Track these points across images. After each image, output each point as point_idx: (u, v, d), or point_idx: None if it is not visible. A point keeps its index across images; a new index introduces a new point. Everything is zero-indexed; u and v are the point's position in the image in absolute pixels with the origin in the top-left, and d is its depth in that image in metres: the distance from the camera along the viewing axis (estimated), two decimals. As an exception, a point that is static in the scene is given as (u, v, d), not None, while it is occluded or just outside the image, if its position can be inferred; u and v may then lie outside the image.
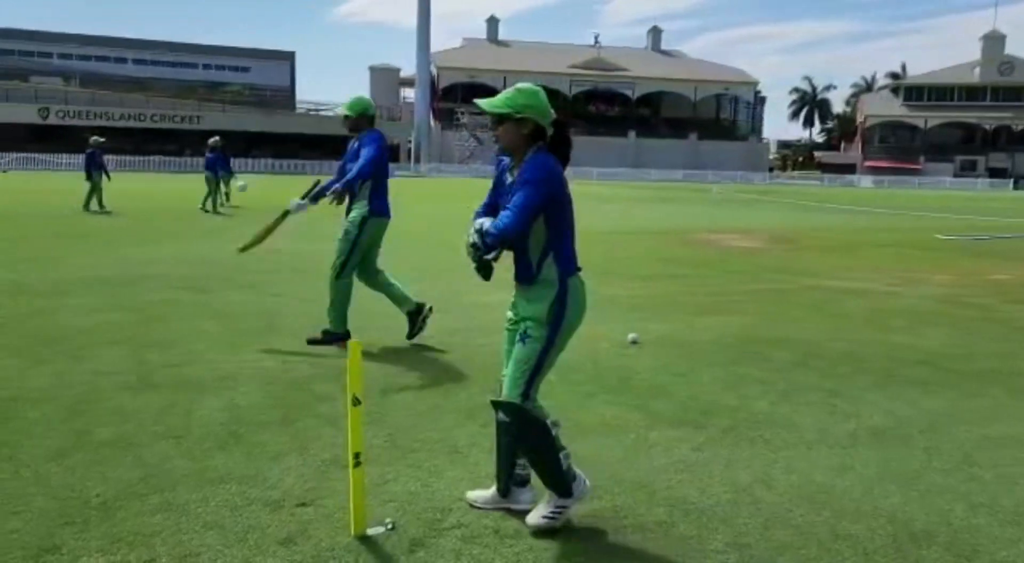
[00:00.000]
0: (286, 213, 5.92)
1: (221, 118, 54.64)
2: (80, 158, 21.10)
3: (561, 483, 2.95)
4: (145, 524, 2.91)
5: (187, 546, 2.76)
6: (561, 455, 2.95)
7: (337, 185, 5.60)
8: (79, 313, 6.55)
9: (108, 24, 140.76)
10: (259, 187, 27.60)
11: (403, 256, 8.77)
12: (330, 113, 66.22)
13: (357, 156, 5.66)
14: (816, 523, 3.09)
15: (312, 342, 5.63)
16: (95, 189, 17.14)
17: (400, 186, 32.12)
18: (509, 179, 2.98)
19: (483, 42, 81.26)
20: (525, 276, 2.96)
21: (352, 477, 2.83)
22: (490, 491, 3.15)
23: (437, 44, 69.20)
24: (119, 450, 3.61)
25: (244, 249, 6.16)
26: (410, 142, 66.35)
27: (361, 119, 5.71)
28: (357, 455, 2.83)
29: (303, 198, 5.86)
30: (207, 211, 17.67)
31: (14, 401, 4.23)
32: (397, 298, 5.92)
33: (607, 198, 30.47)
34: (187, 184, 24.39)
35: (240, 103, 69.64)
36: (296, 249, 10.46)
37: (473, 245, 2.87)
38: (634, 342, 5.95)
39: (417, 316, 5.88)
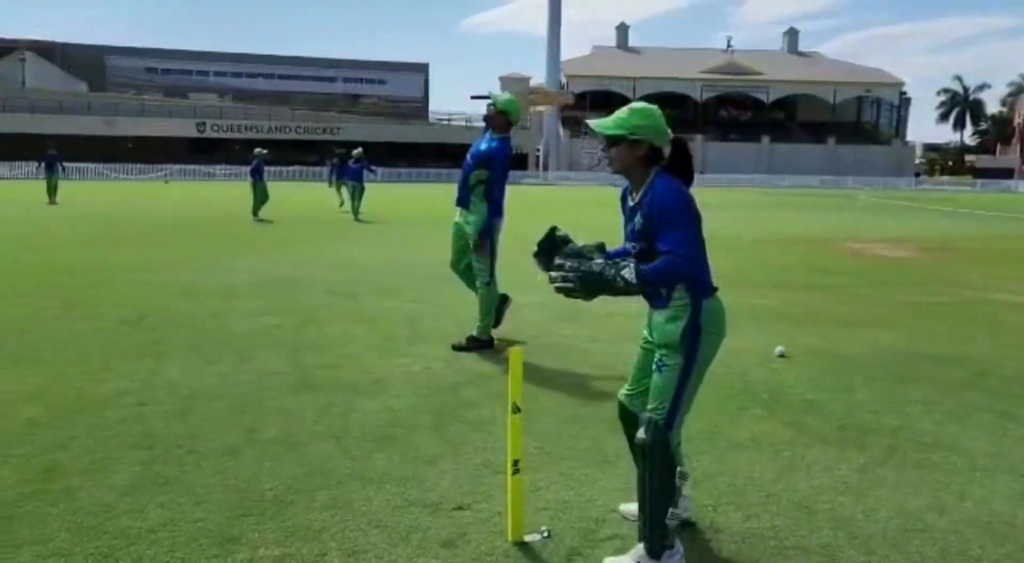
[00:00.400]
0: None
1: (359, 129, 56.93)
2: (239, 168, 22.58)
3: (658, 542, 2.66)
4: (315, 519, 3.05)
5: (354, 543, 2.88)
6: (672, 511, 2.65)
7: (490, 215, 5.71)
8: (245, 316, 6.97)
9: (258, 43, 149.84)
10: (396, 196, 28.56)
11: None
12: (461, 123, 67.90)
13: (480, 151, 5.75)
14: (999, 557, 2.88)
15: (457, 348, 5.77)
16: (260, 197, 18.05)
17: (527, 193, 32.59)
18: (631, 202, 2.84)
19: (613, 49, 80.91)
20: (657, 301, 2.78)
21: (510, 484, 2.87)
22: None
23: (567, 52, 69.45)
24: (285, 447, 3.81)
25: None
26: (538, 150, 66.98)
27: (500, 117, 5.77)
28: (516, 462, 2.87)
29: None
30: (346, 214, 18.42)
31: (192, 397, 4.55)
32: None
33: (744, 205, 29.66)
34: (325, 193, 25.51)
35: (377, 114, 72.46)
36: (426, 258, 10.74)
37: (608, 280, 2.61)
38: (781, 355, 5.75)
39: (503, 305, 6.00)
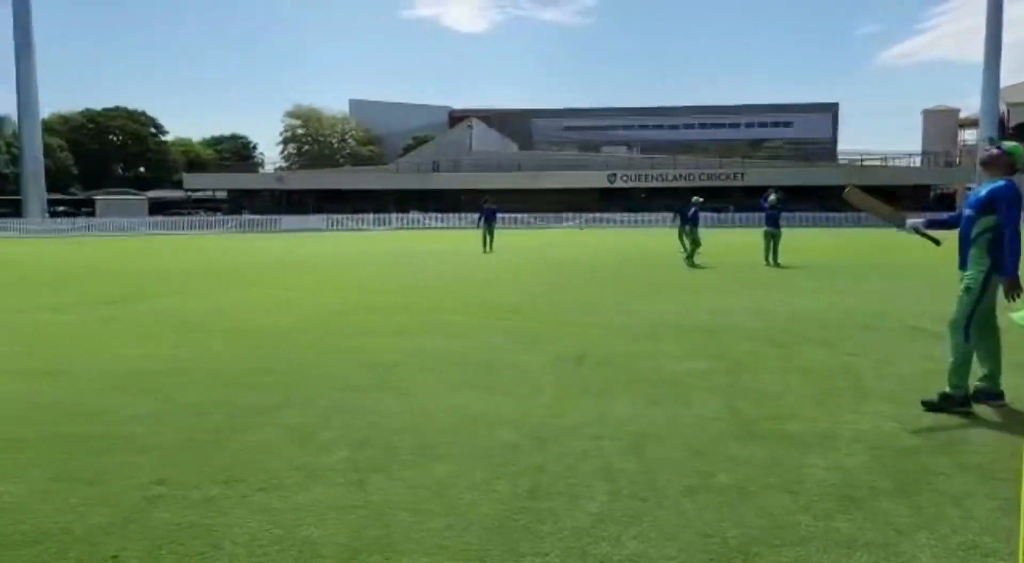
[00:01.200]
0: (899, 224, 5.89)
1: (763, 173, 56.02)
2: (646, 216, 23.65)
3: None
4: (785, 574, 3.04)
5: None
6: None
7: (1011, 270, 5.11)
8: (674, 358, 7.26)
9: (663, 96, 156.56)
10: (805, 240, 27.48)
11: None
12: (876, 161, 63.12)
13: (979, 202, 5.28)
14: None
15: (928, 405, 5.33)
16: (693, 242, 18.69)
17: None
18: None
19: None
20: None
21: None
22: None
23: (1007, 79, 60.79)
24: (740, 496, 3.85)
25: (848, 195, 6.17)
26: (968, 188, 59.32)
27: (1004, 158, 5.25)
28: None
29: (926, 226, 5.78)
30: (768, 264, 18.11)
31: (642, 436, 4.84)
32: (990, 367, 5.33)
33: None
34: (732, 237, 25.43)
35: (780, 157, 70.69)
36: (855, 306, 10.12)
37: None
38: None
39: (974, 400, 5.31)
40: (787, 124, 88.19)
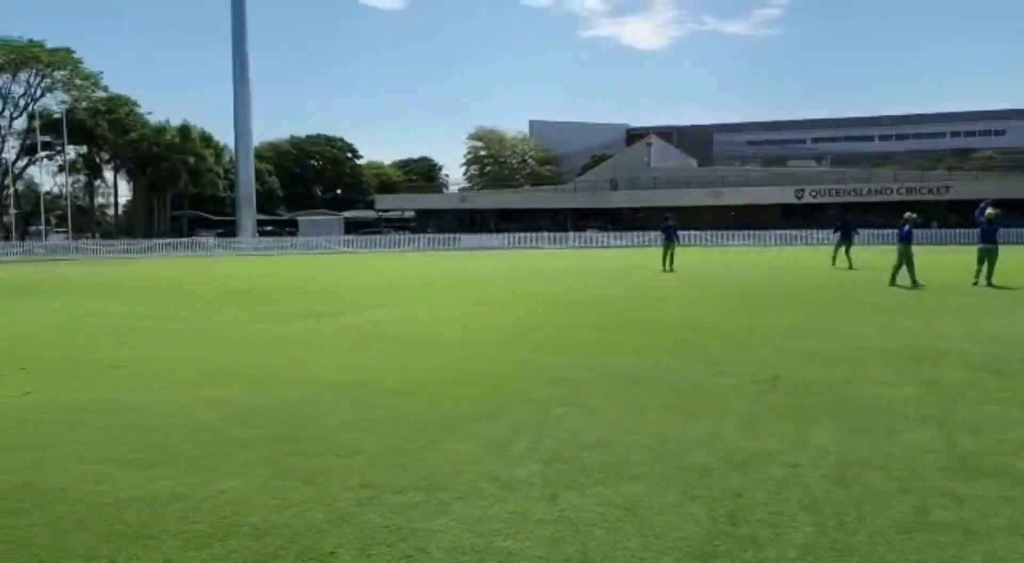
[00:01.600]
0: None
1: (970, 186, 51.42)
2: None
3: None
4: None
5: None
6: None
7: None
8: (878, 384, 6.80)
9: (854, 106, 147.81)
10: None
11: None
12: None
13: None
14: None
15: None
16: (906, 261, 17.35)
17: None
18: None
19: None
20: None
21: None
22: None
23: None
24: (964, 536, 3.54)
25: None
26: None
27: None
28: None
29: None
30: (977, 283, 16.55)
31: (847, 465, 4.58)
32: None
33: None
34: (938, 257, 23.52)
35: (992, 168, 64.67)
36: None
37: None
38: None
39: None
40: (999, 132, 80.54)
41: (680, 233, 27.49)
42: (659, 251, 25.50)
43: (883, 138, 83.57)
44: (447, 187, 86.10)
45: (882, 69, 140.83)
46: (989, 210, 17.15)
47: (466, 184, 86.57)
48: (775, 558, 3.35)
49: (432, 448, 5.02)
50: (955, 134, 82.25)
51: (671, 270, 23.66)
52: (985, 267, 16.75)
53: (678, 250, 25.05)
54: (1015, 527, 3.63)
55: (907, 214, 18.07)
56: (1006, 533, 3.57)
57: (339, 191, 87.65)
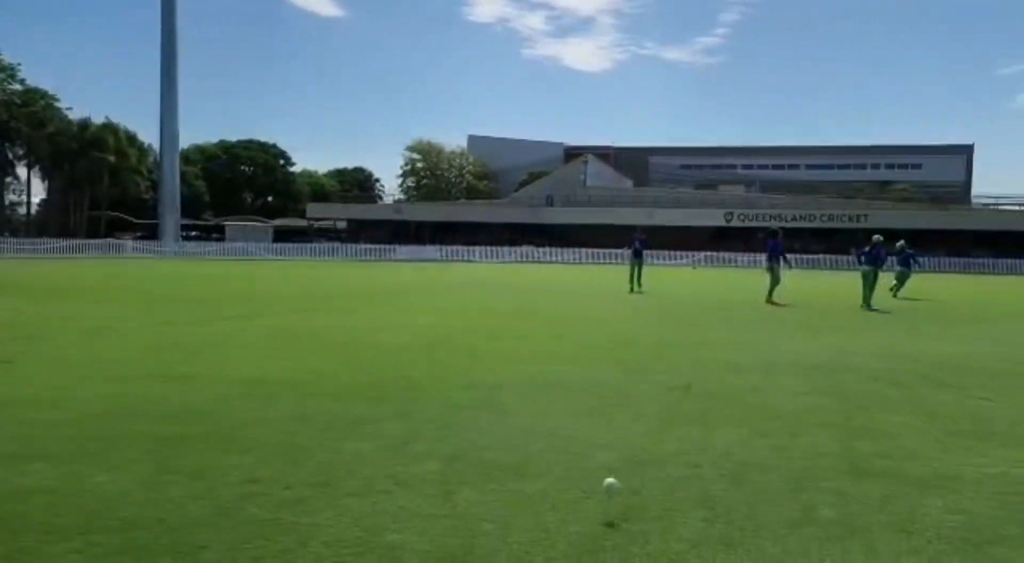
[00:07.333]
0: None
1: (888, 216, 53.49)
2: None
3: None
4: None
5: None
6: None
7: None
8: (788, 394, 6.91)
9: (785, 135, 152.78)
10: (931, 284, 26.11)
11: None
12: (1013, 207, 59.23)
13: None
14: None
15: None
16: (872, 283, 17.81)
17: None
18: None
19: None
20: None
21: None
22: None
23: None
24: (847, 531, 3.58)
25: None
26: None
27: None
28: None
29: None
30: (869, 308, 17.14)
31: (745, 465, 4.61)
32: None
33: None
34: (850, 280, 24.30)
35: (907, 199, 67.38)
36: (995, 353, 9.38)
37: None
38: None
39: None
40: (916, 166, 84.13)
41: (646, 252, 24.73)
42: (592, 268, 25.33)
43: (809, 167, 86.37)
44: (382, 198, 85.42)
45: (812, 102, 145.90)
46: (875, 237, 18.21)
47: (402, 196, 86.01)
48: (662, 551, 3.32)
49: (331, 446, 4.88)
50: (875, 166, 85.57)
51: (639, 290, 21.33)
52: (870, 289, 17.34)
53: (606, 268, 24.84)
54: (894, 523, 3.69)
55: (875, 237, 18.47)
56: (886, 528, 3.62)
57: (270, 198, 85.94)
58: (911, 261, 21.58)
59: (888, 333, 12.20)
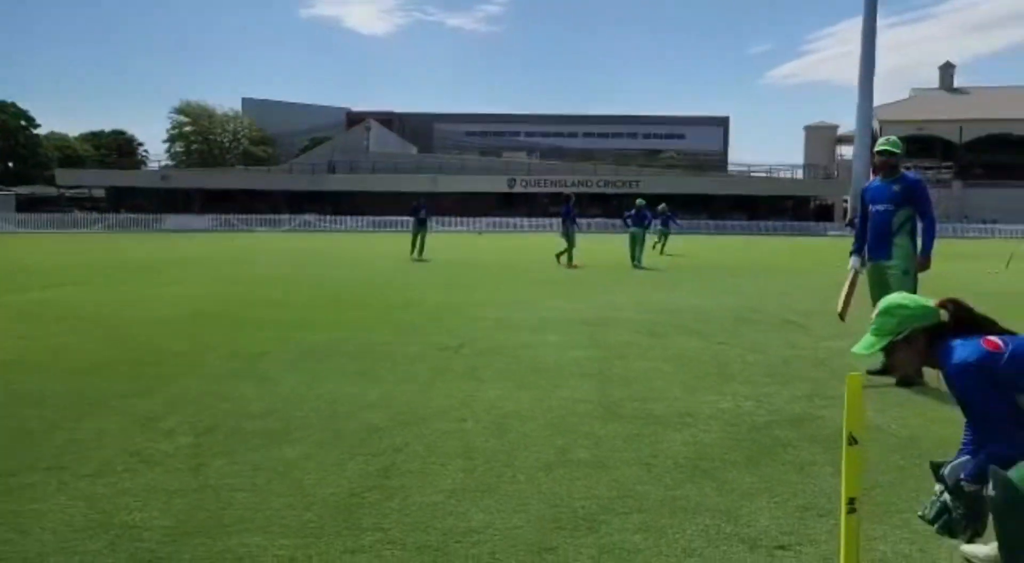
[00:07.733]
0: (856, 272, 6.41)
1: (657, 182, 57.51)
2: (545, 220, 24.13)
3: None
4: (627, 540, 2.99)
5: (670, 568, 2.77)
6: None
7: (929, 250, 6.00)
8: (554, 348, 7.23)
9: (565, 105, 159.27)
10: (693, 244, 28.36)
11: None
12: (762, 174, 65.83)
13: (896, 196, 5.99)
14: None
15: (872, 373, 5.64)
16: (640, 243, 19.27)
17: (834, 245, 30.56)
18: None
19: (935, 91, 73.84)
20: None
21: (844, 524, 2.57)
22: (991, 546, 2.67)
23: (880, 99, 64.24)
24: (596, 469, 3.81)
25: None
26: (845, 201, 62.70)
27: (898, 157, 6.06)
28: (852, 500, 2.57)
29: (857, 251, 6.38)
30: (637, 265, 18.58)
31: (507, 417, 4.77)
32: None
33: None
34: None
35: (674, 167, 72.83)
36: (732, 303, 10.37)
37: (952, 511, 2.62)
38: None
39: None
40: (680, 136, 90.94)
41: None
42: (376, 236, 25.21)
43: (586, 135, 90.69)
44: (146, 164, 78.85)
45: (589, 74, 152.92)
46: (639, 200, 20.10)
47: (169, 162, 79.87)
48: (420, 503, 3.35)
49: (68, 427, 4.45)
50: (646, 136, 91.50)
51: (420, 258, 20.80)
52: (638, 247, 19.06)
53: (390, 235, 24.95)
54: (639, 458, 3.98)
55: (638, 201, 20.15)
56: (631, 463, 3.89)
57: (11, 164, 76.49)
58: (670, 221, 25.31)
59: (652, 288, 13.15)
